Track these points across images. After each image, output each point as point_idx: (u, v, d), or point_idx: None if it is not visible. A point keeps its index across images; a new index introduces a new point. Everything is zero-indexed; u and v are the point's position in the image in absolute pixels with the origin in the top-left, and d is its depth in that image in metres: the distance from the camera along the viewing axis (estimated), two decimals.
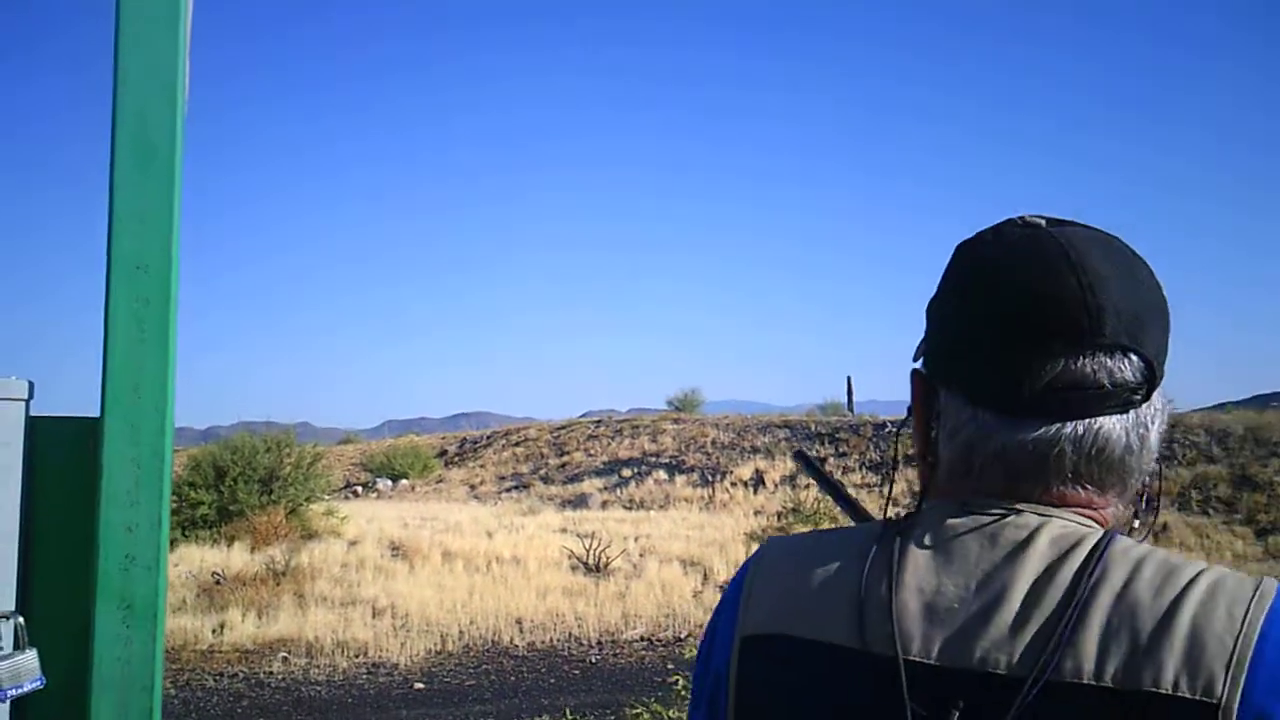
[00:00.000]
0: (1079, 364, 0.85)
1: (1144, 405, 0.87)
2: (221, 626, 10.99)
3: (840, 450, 25.76)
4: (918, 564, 0.86)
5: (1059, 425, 0.86)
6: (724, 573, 14.34)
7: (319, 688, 9.19)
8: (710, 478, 25.95)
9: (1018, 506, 0.86)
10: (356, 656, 10.23)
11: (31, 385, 1.64)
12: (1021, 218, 0.94)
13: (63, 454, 1.65)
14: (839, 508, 1.57)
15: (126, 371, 1.60)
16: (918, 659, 0.82)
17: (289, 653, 10.26)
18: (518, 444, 33.30)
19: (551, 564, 14.98)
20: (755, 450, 27.07)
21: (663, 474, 26.75)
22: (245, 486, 18.15)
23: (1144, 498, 0.93)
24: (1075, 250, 0.88)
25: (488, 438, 35.87)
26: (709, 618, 1.03)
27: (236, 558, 14.95)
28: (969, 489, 0.90)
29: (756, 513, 21.38)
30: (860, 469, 24.57)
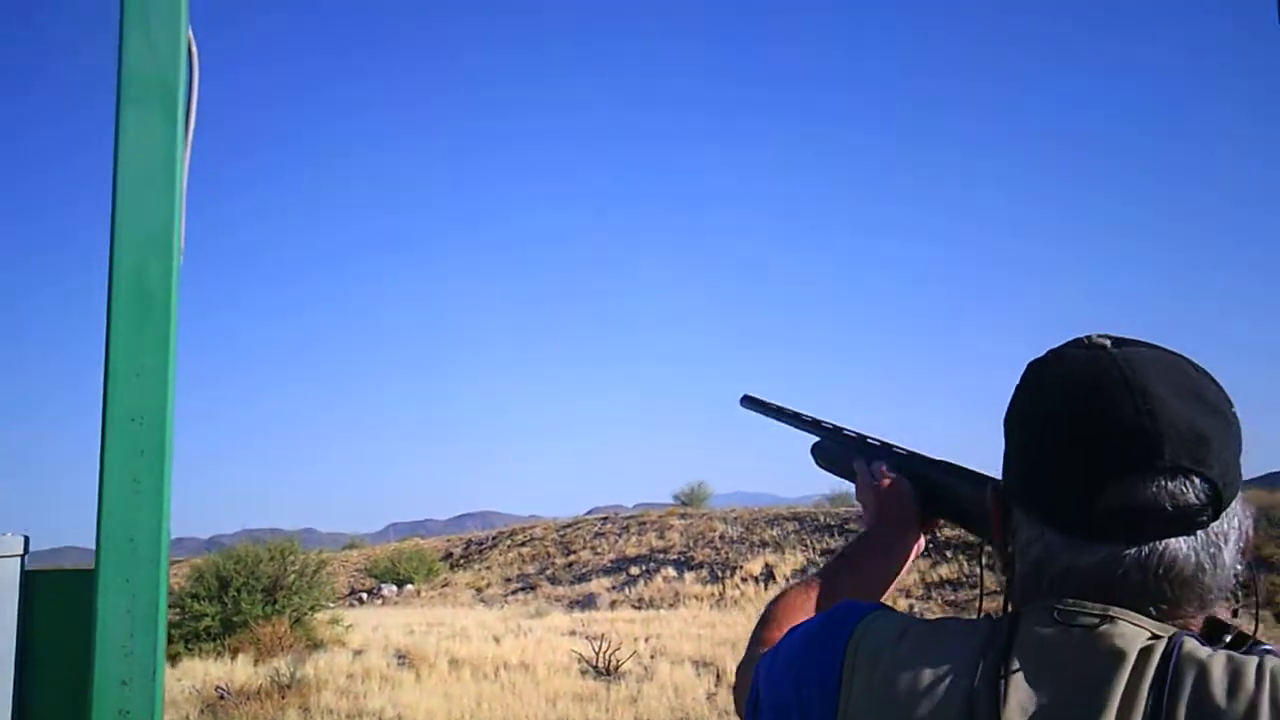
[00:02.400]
0: (1140, 488, 0.86)
1: (1214, 524, 0.88)
2: None
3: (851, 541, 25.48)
4: (1018, 681, 0.86)
5: (1123, 548, 0.87)
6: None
7: None
8: (720, 574, 25.65)
9: (1110, 613, 0.86)
10: None
11: (27, 540, 1.65)
12: (1088, 337, 0.97)
13: (57, 608, 1.65)
14: (804, 432, 1.58)
15: (121, 523, 1.61)
16: None
17: None
18: (523, 544, 33.02)
19: (561, 669, 14.73)
20: (764, 544, 26.81)
21: (671, 571, 26.45)
22: (249, 596, 17.99)
23: (1234, 609, 0.93)
24: (1134, 373, 0.90)
25: (493, 538, 35.57)
26: (765, 664, 1.04)
27: (240, 670, 14.74)
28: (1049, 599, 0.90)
29: None
30: None
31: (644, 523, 31.15)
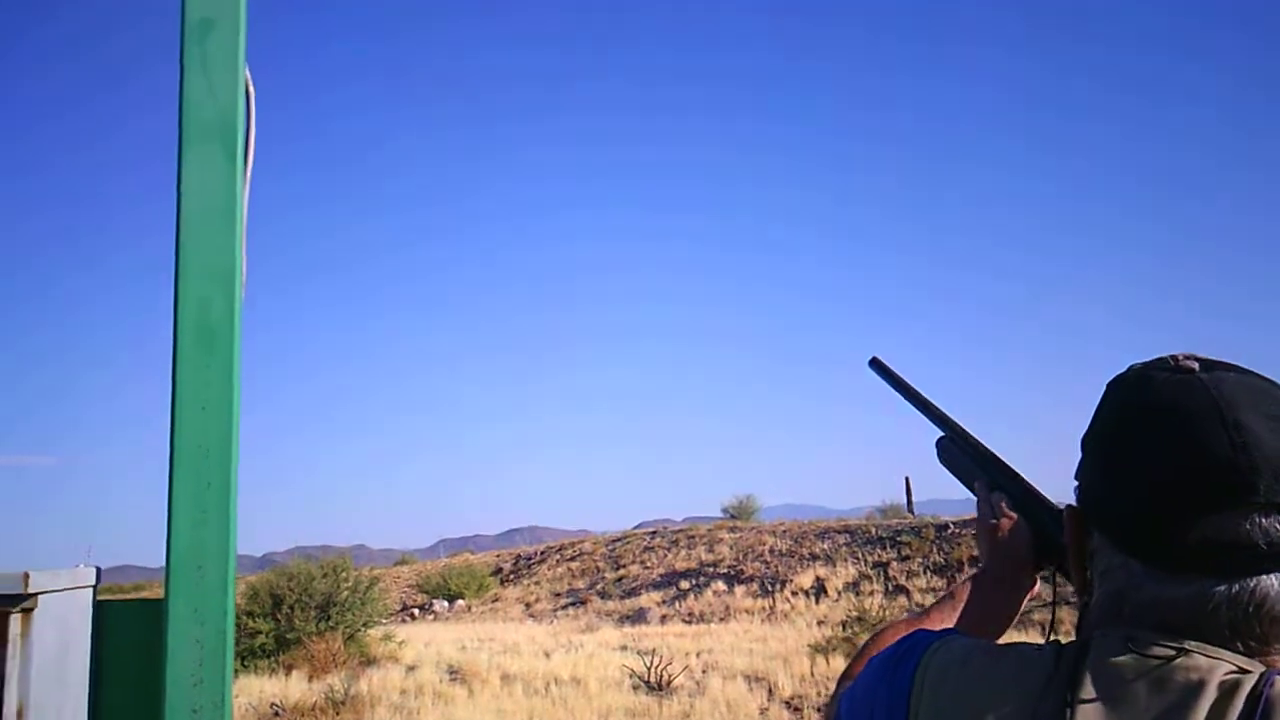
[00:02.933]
0: (1233, 524, 0.84)
1: None
2: None
3: (903, 554, 25.24)
4: (1087, 713, 0.83)
5: (1213, 584, 0.85)
6: (789, 688, 13.99)
7: None
8: (770, 587, 25.50)
9: (1186, 646, 0.84)
10: None
11: (99, 571, 1.70)
12: (1174, 358, 0.94)
13: (129, 637, 1.69)
14: (919, 411, 1.54)
15: (190, 554, 1.65)
16: None
17: None
18: (572, 559, 33.06)
19: (612, 684, 14.71)
20: (815, 557, 26.61)
21: (721, 585, 26.34)
22: (302, 614, 18.18)
23: None
24: (1227, 403, 0.87)
25: (542, 553, 35.66)
26: (847, 695, 1.05)
27: (295, 687, 14.88)
28: (1124, 628, 0.89)
29: (819, 623, 20.91)
30: (925, 572, 24.02)
31: (693, 536, 31.06)
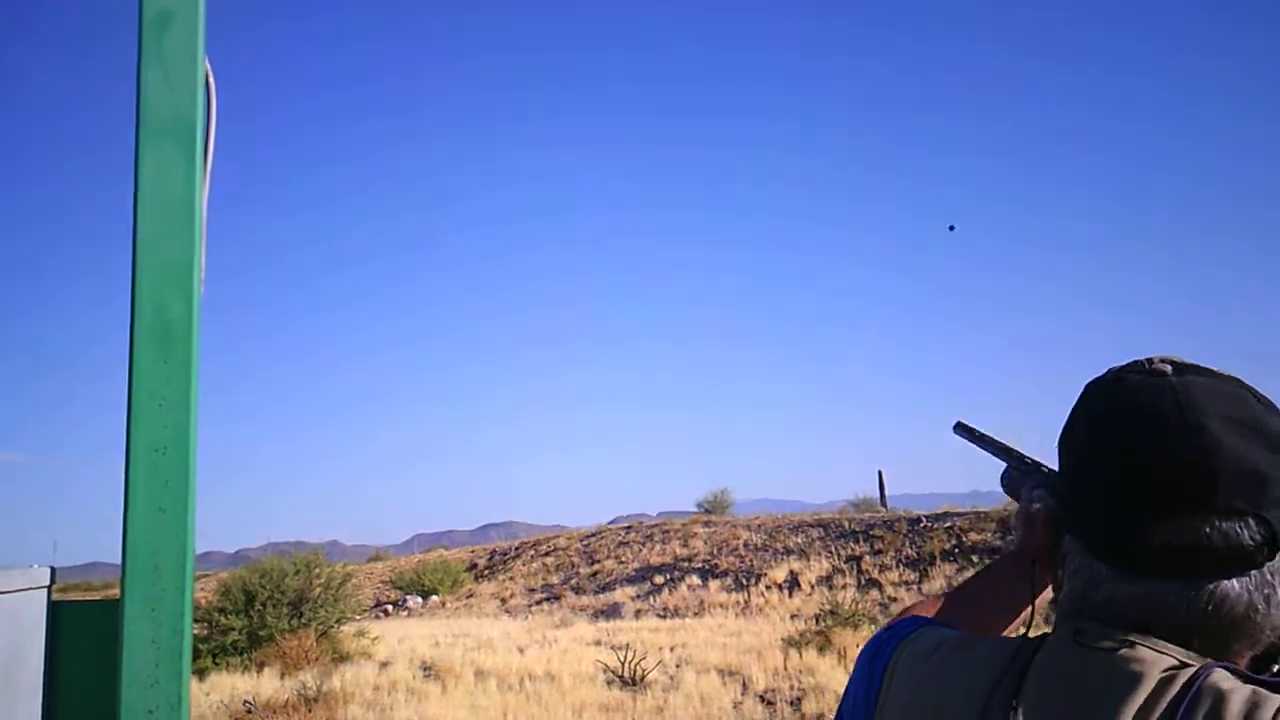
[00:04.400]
0: (1193, 528, 0.85)
1: (1271, 563, 0.85)
2: None
3: (875, 548, 25.38)
4: (1033, 698, 0.86)
5: (1172, 585, 0.86)
6: (763, 681, 14.03)
7: None
8: (744, 581, 25.57)
9: (1132, 639, 0.86)
10: None
11: (53, 571, 1.68)
12: (1149, 361, 0.95)
13: (84, 638, 1.68)
14: (1009, 464, 1.56)
15: (146, 553, 1.64)
16: None
17: None
18: (547, 554, 33.03)
19: (586, 678, 14.71)
20: (789, 551, 26.71)
21: (696, 579, 26.39)
22: (275, 610, 18.07)
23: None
24: (1192, 408, 0.88)
25: (516, 549, 35.61)
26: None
27: (267, 684, 14.80)
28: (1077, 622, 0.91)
29: (793, 616, 21.00)
30: (897, 565, 24.16)
31: (667, 531, 31.10)
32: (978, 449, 1.61)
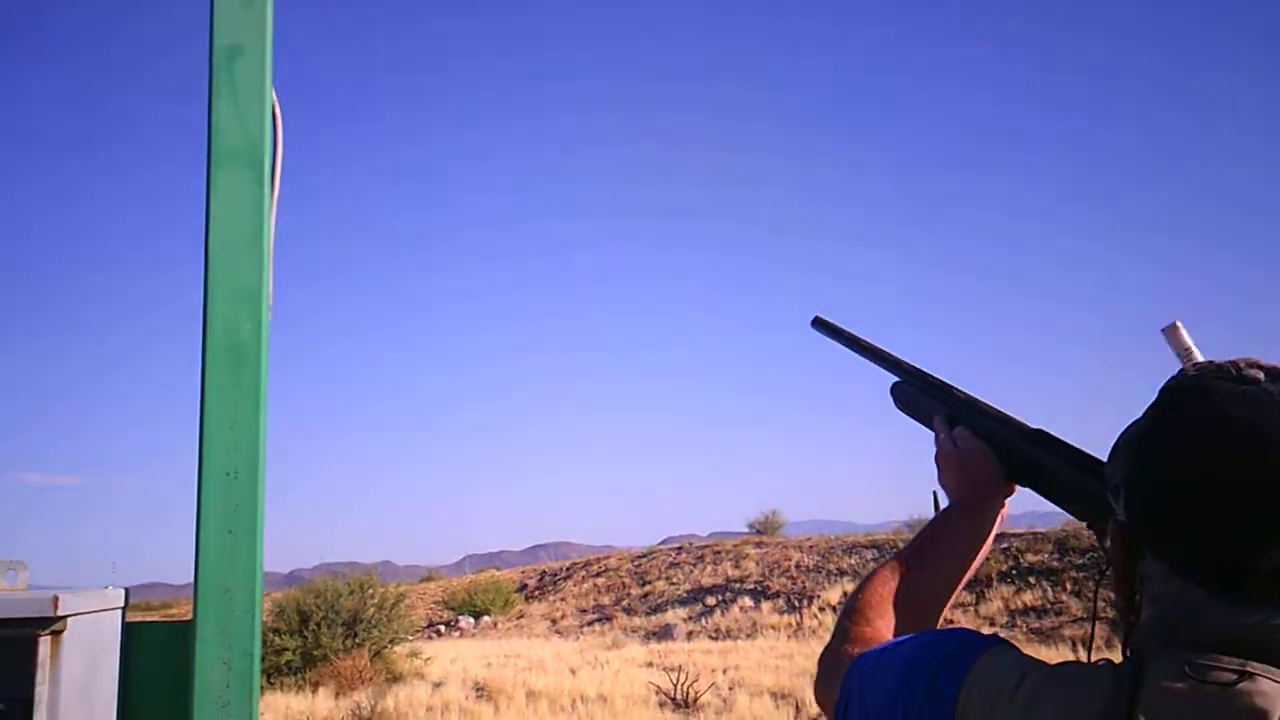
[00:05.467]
0: None
1: None
2: None
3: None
4: None
5: None
6: (816, 705, 13.87)
7: None
8: (797, 603, 25.37)
9: (1249, 669, 0.79)
10: None
11: (127, 592, 1.71)
12: (1236, 366, 0.89)
13: (157, 658, 1.70)
14: (870, 361, 1.48)
15: (218, 575, 1.66)
16: None
17: None
18: (598, 575, 33.03)
19: (638, 701, 14.65)
20: (842, 573, 26.47)
21: (748, 600, 26.24)
22: (329, 630, 18.22)
23: None
24: None
25: (568, 569, 35.65)
26: (861, 674, 1.00)
27: (322, 704, 14.92)
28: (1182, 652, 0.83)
29: None
30: None
31: (719, 552, 30.96)
32: (848, 350, 1.52)
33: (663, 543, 38.25)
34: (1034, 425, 1.29)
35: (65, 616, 1.56)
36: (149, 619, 1.75)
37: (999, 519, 1.31)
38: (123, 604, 1.70)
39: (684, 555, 31.86)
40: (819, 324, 1.57)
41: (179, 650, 1.67)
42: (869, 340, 1.52)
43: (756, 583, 27.35)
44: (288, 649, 18.00)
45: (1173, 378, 0.93)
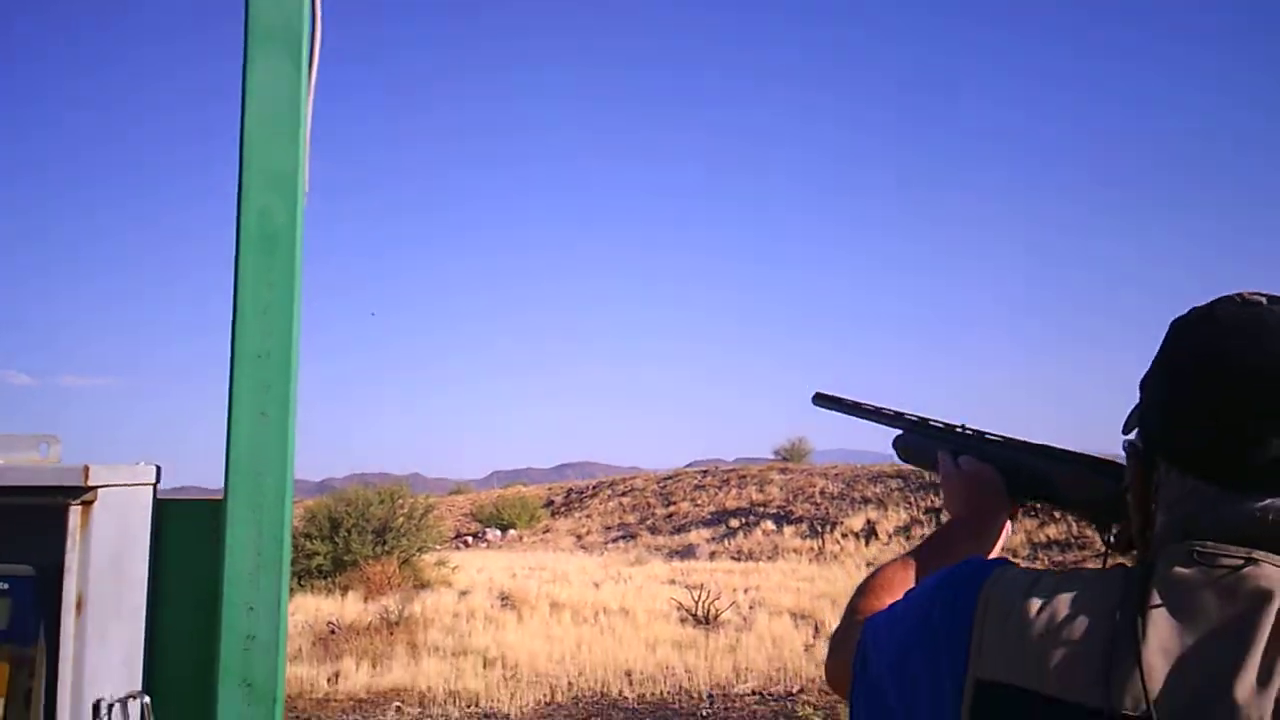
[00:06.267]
0: None
1: None
2: (336, 675, 11.20)
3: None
4: (1159, 622, 0.85)
5: None
6: (836, 626, 14.04)
7: None
8: (819, 529, 25.55)
9: (1254, 555, 0.86)
10: (468, 707, 10.30)
11: (159, 469, 1.72)
12: (1240, 295, 0.96)
13: (188, 535, 1.72)
14: (873, 421, 1.54)
15: (249, 456, 1.67)
16: None
17: (402, 702, 10.39)
18: (624, 494, 33.37)
19: (660, 616, 14.88)
20: (866, 500, 26.58)
21: (771, 524, 26.45)
22: (359, 537, 18.56)
23: None
24: None
25: (593, 488, 36.04)
26: (877, 623, 1.07)
27: (350, 607, 15.26)
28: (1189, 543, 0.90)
29: (869, 565, 20.92)
30: None
31: (744, 476, 31.16)
32: (853, 418, 1.57)
33: (689, 466, 38.51)
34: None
35: (96, 487, 1.58)
36: (179, 498, 1.76)
37: (1002, 537, 1.35)
38: (154, 480, 1.71)
39: (709, 478, 32.09)
40: (820, 399, 1.62)
41: (209, 529, 1.68)
42: (869, 403, 1.56)
43: (780, 507, 27.54)
44: (318, 553, 18.38)
45: (1183, 314, 1.00)
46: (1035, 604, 0.92)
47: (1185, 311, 0.99)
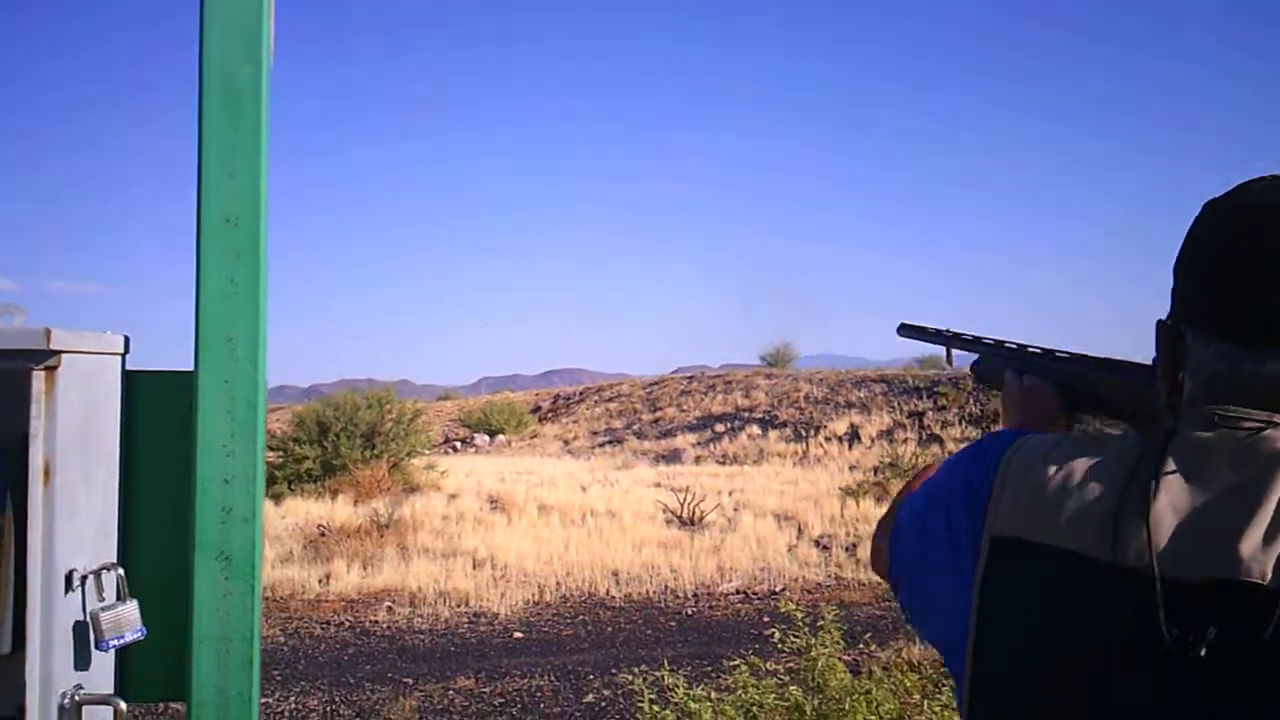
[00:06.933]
0: None
1: None
2: (327, 577, 11.33)
3: (939, 404, 25.31)
4: (1172, 481, 0.85)
5: None
6: (818, 527, 14.24)
7: (422, 636, 9.42)
8: (804, 433, 25.76)
9: (1276, 419, 0.85)
10: (458, 606, 10.45)
11: (127, 340, 1.66)
12: (1273, 175, 0.94)
13: (159, 407, 1.67)
14: (958, 348, 1.58)
15: (219, 324, 1.61)
16: (1172, 575, 0.81)
17: (393, 602, 10.54)
18: (610, 400, 33.51)
19: (646, 518, 15.06)
20: (850, 405, 26.77)
21: (756, 429, 26.65)
22: (348, 442, 18.62)
23: None
24: None
25: (580, 394, 36.17)
26: (908, 497, 1.10)
27: (341, 510, 15.38)
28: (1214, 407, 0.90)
29: (852, 468, 21.16)
30: (960, 423, 24.11)
31: (730, 382, 31.29)
32: (934, 346, 1.63)
33: (675, 372, 38.60)
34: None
35: (60, 352, 1.51)
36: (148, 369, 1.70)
37: None
38: (123, 350, 1.65)
39: (695, 384, 32.21)
40: (904, 330, 1.67)
41: (181, 400, 1.63)
42: (949, 330, 1.58)
43: (765, 412, 27.72)
44: (307, 457, 18.44)
45: (1216, 196, 0.98)
46: (1053, 465, 0.93)
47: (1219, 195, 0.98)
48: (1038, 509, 0.91)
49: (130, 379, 1.67)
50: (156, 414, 1.67)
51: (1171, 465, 0.86)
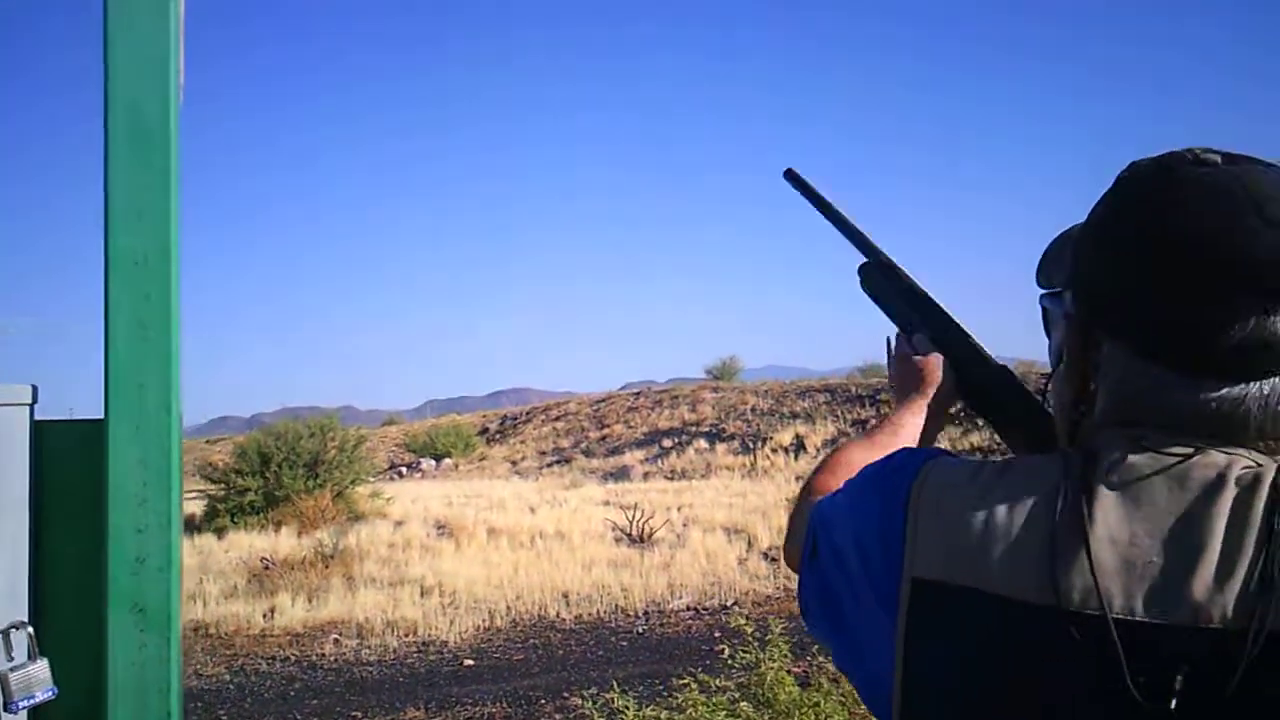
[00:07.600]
0: (1268, 322, 0.78)
1: None
2: (272, 611, 11.11)
3: (883, 411, 25.57)
4: (1106, 511, 0.79)
5: (1243, 386, 0.81)
6: (767, 539, 14.29)
7: (370, 668, 9.27)
8: (751, 445, 25.88)
9: (1201, 444, 0.80)
10: (406, 636, 10.31)
11: (35, 389, 1.61)
12: (1192, 152, 0.86)
13: (69, 458, 1.61)
14: (838, 231, 1.41)
15: (129, 370, 1.56)
16: (1121, 616, 0.75)
17: (340, 634, 10.36)
18: (558, 419, 33.42)
19: (595, 537, 15.00)
20: (795, 415, 26.95)
21: (703, 443, 26.72)
22: (290, 472, 18.33)
23: None
24: (1264, 197, 0.80)
25: (528, 414, 36.02)
26: (823, 508, 1.00)
27: (284, 542, 15.12)
28: (1134, 430, 0.84)
29: (798, 478, 21.28)
30: None
31: (676, 396, 31.36)
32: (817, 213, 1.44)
33: (622, 389, 38.59)
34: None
35: None
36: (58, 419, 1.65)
37: (941, 427, 1.32)
38: (31, 400, 1.60)
39: (642, 400, 32.24)
40: (791, 177, 1.46)
41: (93, 449, 1.58)
42: (842, 209, 1.42)
43: (712, 425, 27.82)
44: (250, 489, 18.12)
45: (1131, 167, 0.89)
46: (971, 496, 0.85)
47: (1128, 167, 0.89)
48: (961, 549, 0.83)
49: (39, 429, 1.61)
50: (67, 464, 1.61)
51: (1103, 492, 0.80)
